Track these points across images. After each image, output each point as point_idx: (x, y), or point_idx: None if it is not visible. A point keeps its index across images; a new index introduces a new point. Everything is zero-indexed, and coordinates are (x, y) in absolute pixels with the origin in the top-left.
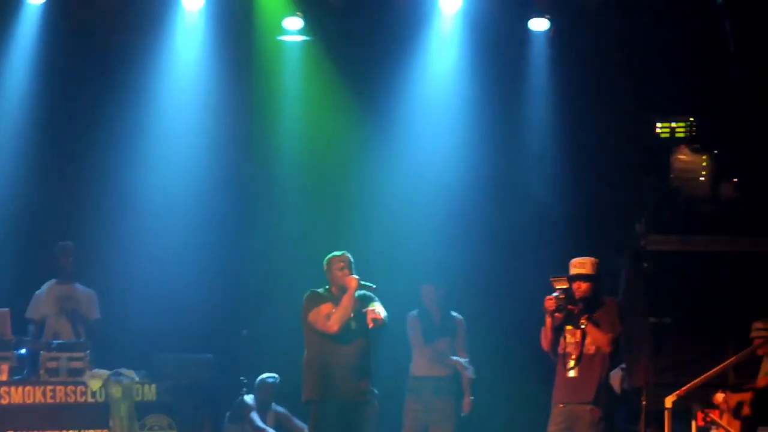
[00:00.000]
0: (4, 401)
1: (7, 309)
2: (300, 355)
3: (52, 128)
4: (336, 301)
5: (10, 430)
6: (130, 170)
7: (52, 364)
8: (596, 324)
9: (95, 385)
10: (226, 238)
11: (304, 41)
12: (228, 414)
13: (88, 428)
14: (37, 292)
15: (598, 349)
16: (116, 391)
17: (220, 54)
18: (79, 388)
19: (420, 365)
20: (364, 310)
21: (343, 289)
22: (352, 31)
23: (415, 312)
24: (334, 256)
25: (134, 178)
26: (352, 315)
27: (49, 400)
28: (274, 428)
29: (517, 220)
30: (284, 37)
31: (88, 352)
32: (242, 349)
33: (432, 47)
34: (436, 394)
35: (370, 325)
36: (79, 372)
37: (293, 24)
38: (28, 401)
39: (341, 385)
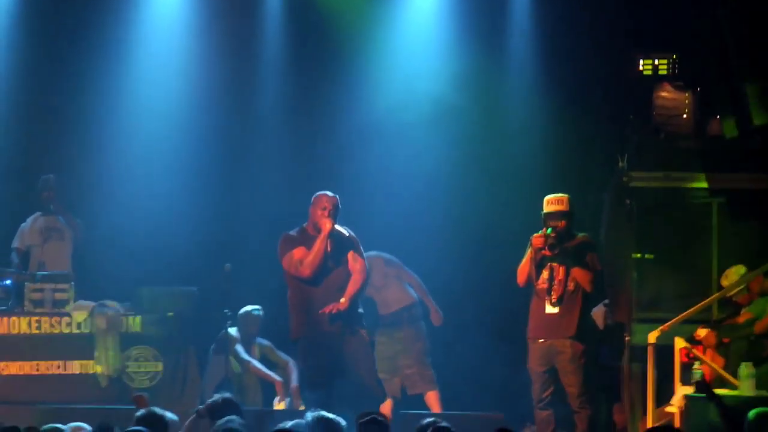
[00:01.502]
0: None
1: None
2: (284, 288)
3: (36, 66)
4: (309, 241)
5: None
6: (116, 107)
7: (36, 295)
8: (576, 262)
9: (80, 316)
10: (211, 171)
11: None
12: (212, 346)
13: (73, 359)
14: (22, 225)
15: (578, 285)
16: (101, 323)
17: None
18: (63, 319)
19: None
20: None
21: (318, 230)
22: None
23: None
24: (323, 194)
25: (120, 114)
26: (329, 251)
27: (34, 331)
28: (258, 360)
29: (501, 159)
30: None
31: (72, 283)
32: (226, 282)
33: None
34: (396, 327)
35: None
36: (64, 303)
37: None
38: (13, 331)
39: (324, 322)
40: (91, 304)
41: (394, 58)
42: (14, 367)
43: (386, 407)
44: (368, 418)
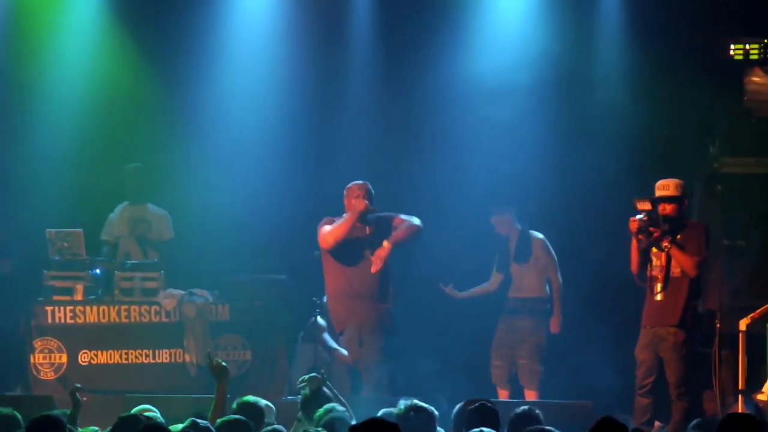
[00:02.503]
0: (80, 320)
1: (80, 229)
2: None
3: (124, 57)
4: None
5: (85, 349)
6: (204, 99)
7: (126, 284)
8: (681, 247)
9: (169, 305)
10: (300, 159)
11: None
12: (301, 334)
13: (162, 348)
14: (110, 215)
15: (683, 272)
16: (190, 311)
17: None
18: (153, 307)
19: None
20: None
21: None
22: None
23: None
24: (355, 183)
25: (209, 105)
26: (368, 235)
27: (124, 320)
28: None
29: (593, 147)
30: None
31: (162, 272)
32: (315, 270)
33: None
34: (518, 314)
35: (372, 270)
36: (153, 292)
37: None
38: (103, 321)
39: (359, 311)
40: (180, 292)
41: (483, 39)
42: (104, 356)
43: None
44: (477, 404)
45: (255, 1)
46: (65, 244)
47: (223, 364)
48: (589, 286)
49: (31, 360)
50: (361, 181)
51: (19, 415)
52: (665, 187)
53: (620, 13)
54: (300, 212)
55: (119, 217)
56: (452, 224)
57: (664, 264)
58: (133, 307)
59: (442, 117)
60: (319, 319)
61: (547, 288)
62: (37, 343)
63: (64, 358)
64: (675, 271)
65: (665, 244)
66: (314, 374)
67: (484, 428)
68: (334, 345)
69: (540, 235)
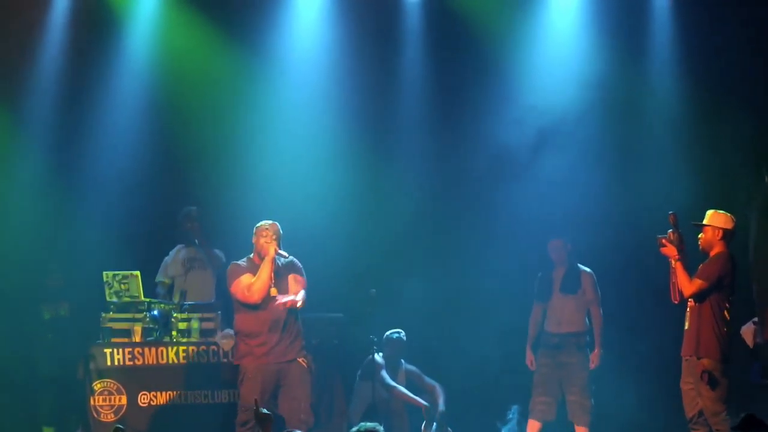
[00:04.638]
0: (138, 362)
1: (137, 271)
2: (430, 309)
3: (176, 98)
4: (256, 269)
5: (144, 390)
6: (255, 138)
7: (184, 325)
8: (688, 269)
9: (227, 345)
10: (354, 197)
11: None
12: (359, 372)
13: (221, 388)
14: (165, 258)
15: (701, 299)
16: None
17: None
18: (211, 348)
19: (548, 323)
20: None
21: (263, 258)
22: None
23: (540, 274)
24: (262, 225)
25: (259, 144)
26: (272, 282)
27: (182, 361)
28: (404, 386)
29: (642, 177)
30: None
31: (219, 312)
32: (371, 307)
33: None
34: (563, 350)
35: (280, 307)
36: (211, 333)
37: None
38: (161, 362)
39: (268, 350)
40: None
41: (534, 60)
42: (163, 397)
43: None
44: None
45: (309, 14)
46: (122, 286)
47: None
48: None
49: (91, 402)
50: (270, 222)
51: None
52: (707, 215)
53: (674, 36)
54: (355, 251)
55: (174, 259)
56: (500, 247)
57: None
58: (191, 347)
59: (492, 135)
60: (377, 357)
61: (587, 321)
62: (97, 385)
63: (124, 400)
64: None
65: (673, 261)
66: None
67: None
68: (391, 383)
69: (589, 270)
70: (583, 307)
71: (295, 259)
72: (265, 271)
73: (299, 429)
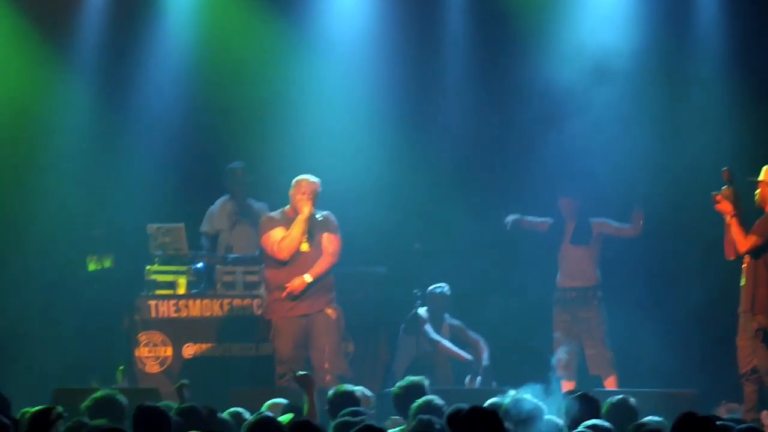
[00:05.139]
0: (183, 314)
1: (182, 224)
2: (473, 266)
3: (220, 56)
4: (288, 223)
5: (189, 342)
6: (302, 95)
7: (228, 278)
8: (742, 224)
9: None
10: (399, 150)
11: None
12: (402, 326)
13: (264, 341)
14: (211, 207)
15: (757, 255)
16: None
17: None
18: (255, 301)
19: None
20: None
21: (297, 214)
22: None
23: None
24: (301, 180)
25: (306, 102)
26: (305, 239)
27: (227, 313)
28: (448, 340)
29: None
30: None
31: (263, 265)
32: (415, 262)
33: None
34: (580, 304)
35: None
36: (255, 285)
37: None
38: (206, 314)
39: (296, 304)
40: None
41: (576, 36)
42: (208, 350)
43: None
44: (579, 394)
45: (353, 6)
46: (167, 239)
47: (303, 373)
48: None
49: (136, 353)
50: (312, 178)
51: (122, 400)
52: (762, 171)
53: (718, 15)
54: (398, 205)
55: (220, 210)
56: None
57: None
58: (235, 300)
59: (535, 113)
60: (421, 311)
61: (598, 271)
62: (142, 337)
63: (169, 351)
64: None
65: (728, 217)
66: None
67: (596, 421)
68: (436, 337)
69: (602, 219)
70: (596, 259)
71: (331, 216)
72: (297, 229)
73: (323, 379)
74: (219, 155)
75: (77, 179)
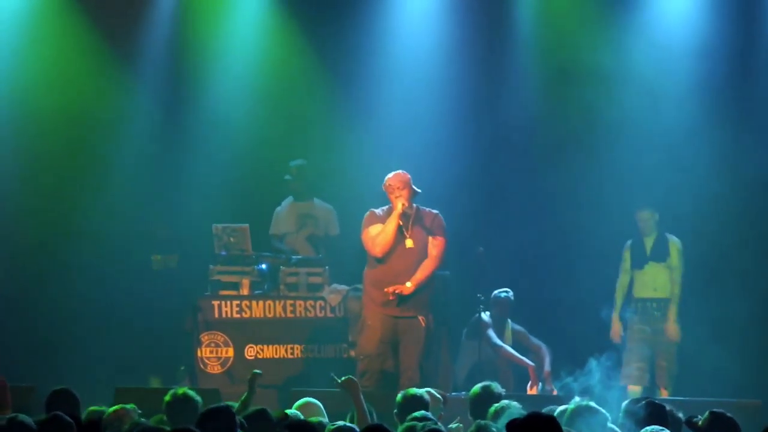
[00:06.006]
0: (246, 315)
1: (246, 224)
2: (537, 271)
3: (286, 58)
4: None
5: (251, 343)
6: (369, 94)
7: (291, 279)
8: None
9: (334, 300)
10: (464, 156)
11: None
12: (465, 331)
13: (327, 342)
14: (277, 209)
15: None
16: (355, 307)
17: None
18: (318, 302)
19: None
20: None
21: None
22: None
23: (629, 241)
24: (396, 174)
25: (374, 101)
26: (408, 231)
27: (289, 315)
28: (511, 346)
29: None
30: None
31: (327, 267)
32: (479, 266)
33: None
34: (658, 315)
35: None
36: (318, 287)
37: None
38: (269, 315)
39: (387, 303)
40: (345, 288)
41: (645, 32)
42: (269, 351)
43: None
44: (645, 402)
45: (419, 6)
46: (231, 239)
47: (346, 378)
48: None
49: (198, 353)
50: (402, 172)
51: (196, 397)
52: None
53: None
54: (463, 209)
55: (286, 213)
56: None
57: None
58: (298, 302)
59: (601, 113)
60: (484, 316)
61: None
62: (204, 337)
63: (231, 352)
64: None
65: None
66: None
67: (656, 426)
68: (498, 342)
69: (676, 239)
70: (670, 275)
71: (439, 216)
72: (390, 225)
73: (406, 386)
74: (285, 155)
75: (143, 178)
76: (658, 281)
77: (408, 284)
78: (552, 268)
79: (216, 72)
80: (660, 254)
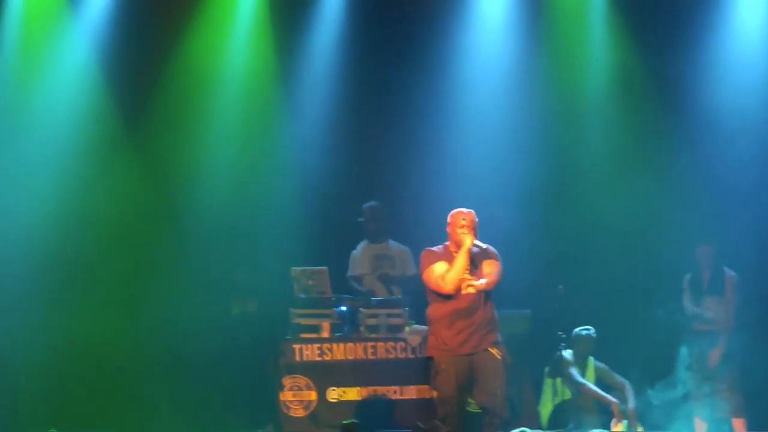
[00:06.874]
0: (327, 357)
1: (325, 267)
2: (622, 308)
3: (354, 97)
4: (450, 257)
5: (333, 386)
6: (434, 130)
7: (371, 321)
8: None
9: (415, 341)
10: (541, 191)
11: None
12: (547, 369)
13: (410, 384)
14: (353, 252)
15: None
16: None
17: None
18: (399, 344)
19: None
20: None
21: (459, 247)
22: None
23: (688, 275)
24: (458, 213)
25: (435, 137)
26: (468, 272)
27: (370, 357)
28: (593, 383)
29: None
30: None
31: (406, 308)
32: (560, 304)
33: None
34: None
35: (463, 291)
36: (399, 328)
37: None
38: (350, 357)
39: (462, 341)
40: (425, 328)
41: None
42: (352, 393)
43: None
44: None
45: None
46: (310, 282)
47: (431, 424)
48: None
49: (281, 397)
50: (466, 210)
51: None
52: None
53: None
54: (543, 245)
55: (362, 255)
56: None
57: None
58: (379, 343)
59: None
60: (565, 353)
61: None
62: (287, 381)
63: (314, 395)
64: None
65: None
66: None
67: None
68: (580, 379)
69: (733, 273)
70: (731, 306)
71: (491, 247)
72: (461, 261)
73: (497, 425)
74: (362, 196)
75: (223, 222)
76: (714, 314)
77: (482, 281)
78: (632, 304)
79: (288, 116)
80: (716, 288)
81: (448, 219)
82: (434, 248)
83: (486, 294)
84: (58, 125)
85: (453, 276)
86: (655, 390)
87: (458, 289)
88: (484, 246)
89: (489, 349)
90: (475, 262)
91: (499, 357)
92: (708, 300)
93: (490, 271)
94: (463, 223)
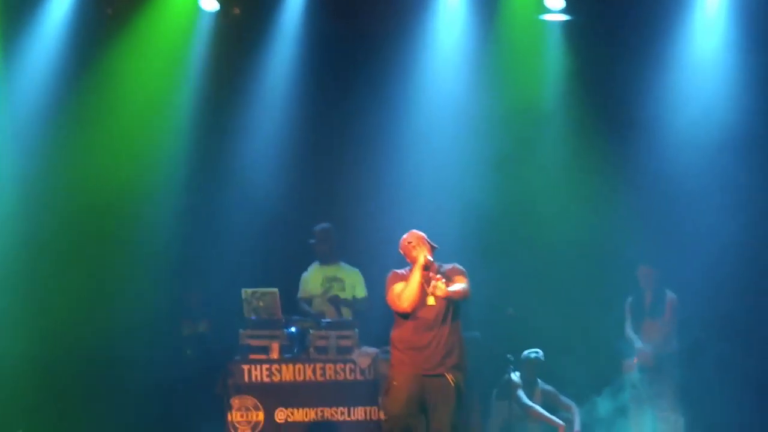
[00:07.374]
0: (275, 378)
1: (275, 289)
2: (567, 333)
3: (306, 118)
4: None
5: (281, 407)
6: (386, 153)
7: (321, 342)
8: None
9: (364, 362)
10: (492, 212)
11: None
12: (495, 391)
13: (358, 405)
14: (304, 274)
15: None
16: (385, 369)
17: (478, 37)
18: (348, 365)
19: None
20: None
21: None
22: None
23: (630, 298)
24: (408, 233)
25: (390, 160)
26: (428, 290)
27: (319, 378)
28: (541, 406)
29: None
30: (546, 16)
31: (356, 330)
32: (508, 327)
33: (696, 29)
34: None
35: (429, 293)
36: (348, 350)
37: (555, 2)
38: (299, 379)
39: (424, 358)
40: (374, 350)
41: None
42: (300, 414)
43: None
44: None
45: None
46: (261, 304)
47: None
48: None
49: (229, 418)
50: (408, 233)
51: None
52: None
53: None
54: (491, 270)
55: (312, 277)
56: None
57: None
58: (328, 365)
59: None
60: (513, 376)
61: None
62: (235, 401)
63: (261, 416)
64: None
65: None
66: None
67: None
68: (528, 402)
69: (673, 295)
70: (670, 328)
71: (458, 264)
72: (415, 278)
73: None
74: (312, 218)
75: (171, 245)
76: (653, 337)
77: (456, 286)
78: (580, 325)
79: (240, 137)
80: (657, 310)
81: (399, 243)
82: (399, 270)
83: (454, 311)
84: None
85: (408, 294)
86: (602, 396)
87: (422, 304)
88: (452, 265)
89: (445, 374)
90: (448, 277)
91: (452, 384)
92: (648, 323)
93: (461, 283)
94: (410, 241)
